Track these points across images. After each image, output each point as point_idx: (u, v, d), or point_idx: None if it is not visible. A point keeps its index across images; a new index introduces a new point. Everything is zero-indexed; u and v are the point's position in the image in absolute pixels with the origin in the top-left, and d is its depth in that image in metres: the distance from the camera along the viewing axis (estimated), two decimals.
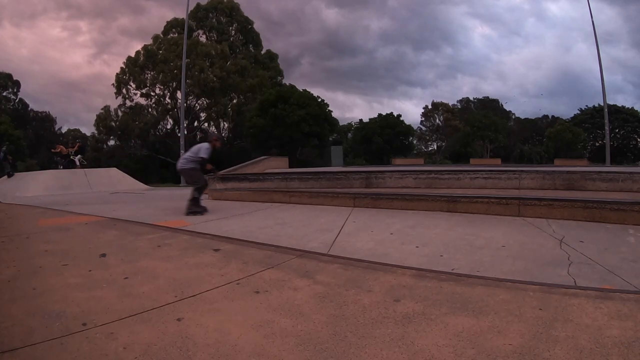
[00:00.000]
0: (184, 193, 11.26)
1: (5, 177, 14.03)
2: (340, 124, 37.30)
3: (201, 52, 30.11)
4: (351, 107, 70.44)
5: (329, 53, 71.28)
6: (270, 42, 73.15)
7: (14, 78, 38.10)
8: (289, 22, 66.82)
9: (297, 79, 67.57)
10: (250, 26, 34.95)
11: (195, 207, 5.63)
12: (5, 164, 14.38)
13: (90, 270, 2.72)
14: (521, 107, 75.06)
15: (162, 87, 31.94)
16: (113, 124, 31.98)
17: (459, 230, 4.01)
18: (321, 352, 1.57)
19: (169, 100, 32.59)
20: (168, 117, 33.43)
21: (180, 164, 5.88)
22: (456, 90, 71.20)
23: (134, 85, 31.61)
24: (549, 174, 6.06)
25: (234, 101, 33.35)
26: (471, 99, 49.29)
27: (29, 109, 40.80)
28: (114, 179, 14.44)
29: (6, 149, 15.68)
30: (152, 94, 32.10)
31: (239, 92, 32.24)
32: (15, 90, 38.65)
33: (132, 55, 31.68)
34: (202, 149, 5.74)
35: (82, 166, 15.81)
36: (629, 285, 2.36)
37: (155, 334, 1.74)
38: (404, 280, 2.40)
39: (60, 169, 15.93)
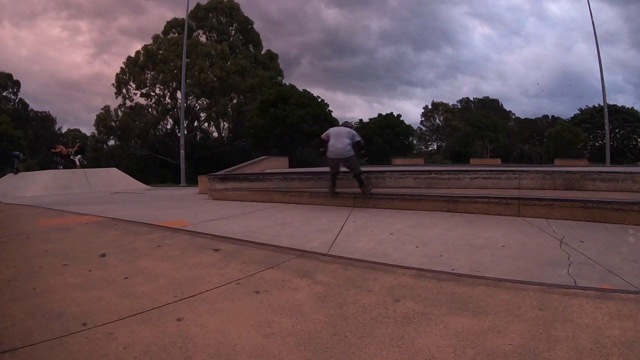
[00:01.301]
0: (185, 193, 11.32)
1: (10, 174, 14.82)
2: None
3: (201, 52, 30.11)
4: (351, 107, 70.43)
5: (329, 53, 71.28)
6: (270, 42, 73.07)
7: (14, 78, 38.11)
8: (289, 22, 66.78)
9: (297, 79, 67.52)
10: (250, 26, 34.96)
11: (370, 188, 5.80)
12: (16, 160, 15.53)
13: (90, 270, 2.72)
14: (521, 106, 75.10)
15: (162, 87, 31.96)
16: (113, 124, 31.99)
17: (459, 230, 4.01)
18: (321, 352, 1.57)
19: (169, 100, 32.63)
20: (168, 117, 33.46)
21: (344, 151, 5.50)
22: (456, 90, 71.21)
23: (134, 85, 31.63)
24: (549, 174, 6.04)
25: (234, 101, 33.35)
26: (471, 99, 49.36)
27: (29, 109, 40.81)
28: (114, 179, 14.48)
29: (21, 156, 17.37)
30: (152, 94, 32.12)
31: (239, 92, 32.24)
32: (15, 90, 38.66)
33: (132, 55, 31.73)
34: (354, 132, 5.78)
35: (82, 166, 15.87)
36: (629, 285, 2.36)
37: (155, 334, 1.74)
38: (404, 280, 2.40)
39: (60, 169, 16.06)
